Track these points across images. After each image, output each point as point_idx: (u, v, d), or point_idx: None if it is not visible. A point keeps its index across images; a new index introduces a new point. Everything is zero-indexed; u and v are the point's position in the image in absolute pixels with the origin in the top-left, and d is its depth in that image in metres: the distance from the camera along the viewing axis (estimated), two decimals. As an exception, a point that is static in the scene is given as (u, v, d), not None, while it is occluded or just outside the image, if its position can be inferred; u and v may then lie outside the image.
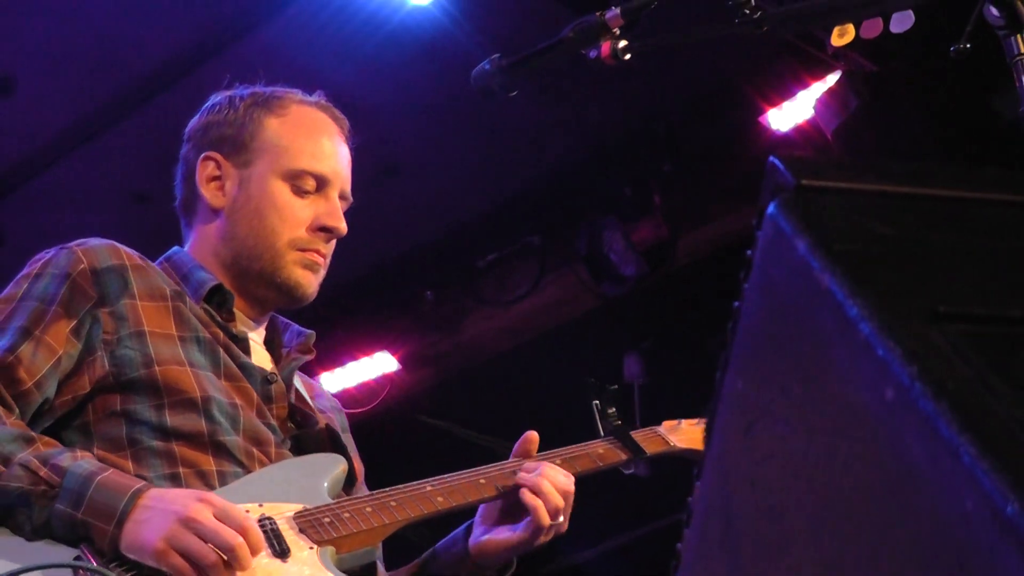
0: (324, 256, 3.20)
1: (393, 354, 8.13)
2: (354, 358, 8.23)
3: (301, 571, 2.77)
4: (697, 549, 1.52)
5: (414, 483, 3.05)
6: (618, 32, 2.94)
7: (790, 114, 6.48)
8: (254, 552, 2.71)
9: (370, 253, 7.70)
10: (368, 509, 2.94)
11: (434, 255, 7.61)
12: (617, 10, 2.91)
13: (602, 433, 3.41)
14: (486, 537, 3.11)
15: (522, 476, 3.09)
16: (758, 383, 1.39)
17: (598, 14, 2.94)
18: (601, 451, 3.33)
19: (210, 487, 2.90)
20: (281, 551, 2.78)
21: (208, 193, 3.20)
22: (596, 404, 3.46)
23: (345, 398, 8.40)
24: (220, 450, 2.95)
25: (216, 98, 3.28)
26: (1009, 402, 1.13)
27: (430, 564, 3.21)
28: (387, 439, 8.40)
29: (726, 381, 1.43)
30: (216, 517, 2.68)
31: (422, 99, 6.78)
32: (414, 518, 2.99)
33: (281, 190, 3.15)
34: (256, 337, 3.25)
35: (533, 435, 3.21)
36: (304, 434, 3.18)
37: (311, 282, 3.19)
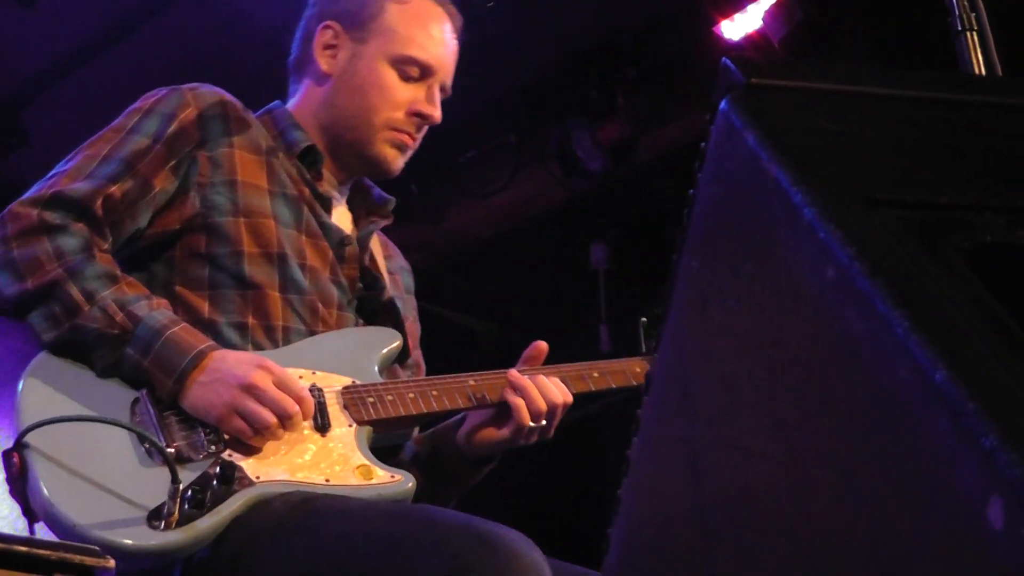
0: (414, 139, 3.16)
1: (384, 241, 8.12)
2: (348, 245, 8.21)
3: (336, 447, 2.74)
4: (655, 415, 1.51)
5: (459, 375, 2.99)
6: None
7: (741, 25, 6.42)
8: (306, 417, 2.72)
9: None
10: (411, 395, 2.90)
11: (419, 152, 7.57)
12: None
13: (644, 351, 3.23)
14: (474, 429, 3.05)
15: (512, 373, 3.01)
16: (712, 263, 1.38)
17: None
18: (638, 370, 3.16)
19: (274, 342, 2.89)
20: (322, 425, 2.76)
21: (321, 59, 3.15)
22: (643, 321, 3.27)
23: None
24: (288, 306, 2.92)
25: None
26: (938, 279, 1.12)
27: (426, 441, 3.17)
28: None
29: (682, 262, 1.42)
30: (275, 384, 2.68)
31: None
32: (450, 409, 2.96)
33: (387, 72, 3.10)
34: (339, 197, 3.19)
35: (541, 345, 3.09)
36: (370, 297, 3.14)
37: (397, 160, 3.16)
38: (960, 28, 2.48)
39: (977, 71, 2.43)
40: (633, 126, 6.82)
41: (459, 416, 3.11)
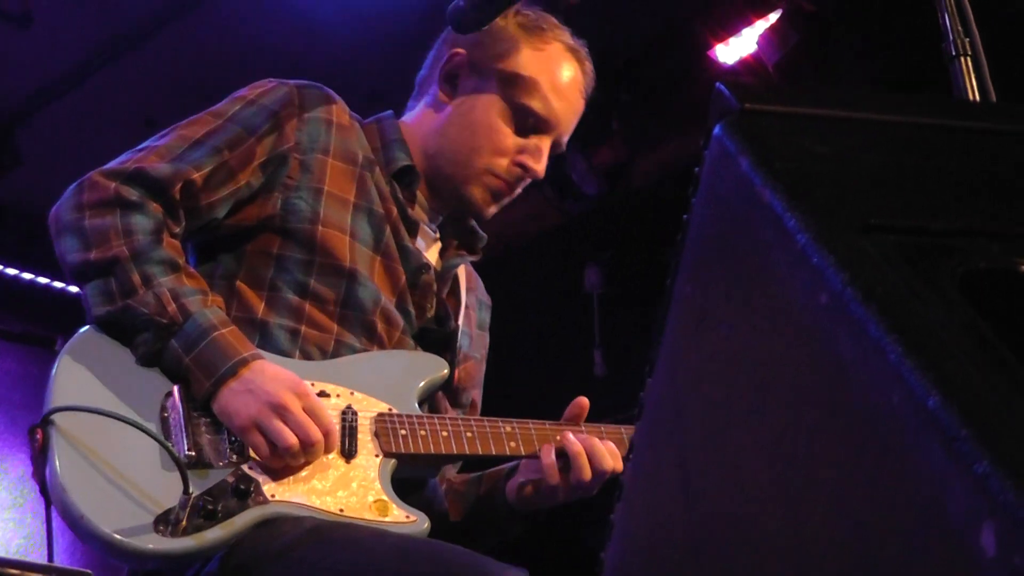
0: (513, 190, 3.08)
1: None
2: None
3: (357, 476, 2.69)
4: (648, 439, 1.51)
5: (495, 420, 2.92)
6: (583, -27, 2.90)
7: (736, 49, 6.45)
8: (329, 451, 2.66)
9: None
10: (444, 434, 2.82)
11: (414, 175, 7.55)
12: (583, -47, 2.88)
13: None
14: (526, 482, 2.99)
15: (567, 437, 2.93)
16: (705, 288, 1.38)
17: (566, -43, 2.89)
18: None
19: (323, 353, 2.84)
20: (349, 451, 2.71)
21: (442, 86, 3.10)
22: None
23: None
24: (346, 321, 2.87)
25: None
26: (932, 306, 1.13)
27: (474, 484, 3.13)
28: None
29: (676, 286, 1.42)
30: (305, 411, 2.63)
31: (404, 33, 6.71)
32: (482, 455, 2.88)
33: (502, 117, 3.03)
34: (429, 223, 3.12)
35: (583, 401, 3.02)
36: (433, 330, 3.07)
37: (490, 206, 3.08)
38: (954, 53, 2.49)
39: (971, 96, 2.44)
40: (627, 150, 6.84)
41: (511, 465, 3.07)
